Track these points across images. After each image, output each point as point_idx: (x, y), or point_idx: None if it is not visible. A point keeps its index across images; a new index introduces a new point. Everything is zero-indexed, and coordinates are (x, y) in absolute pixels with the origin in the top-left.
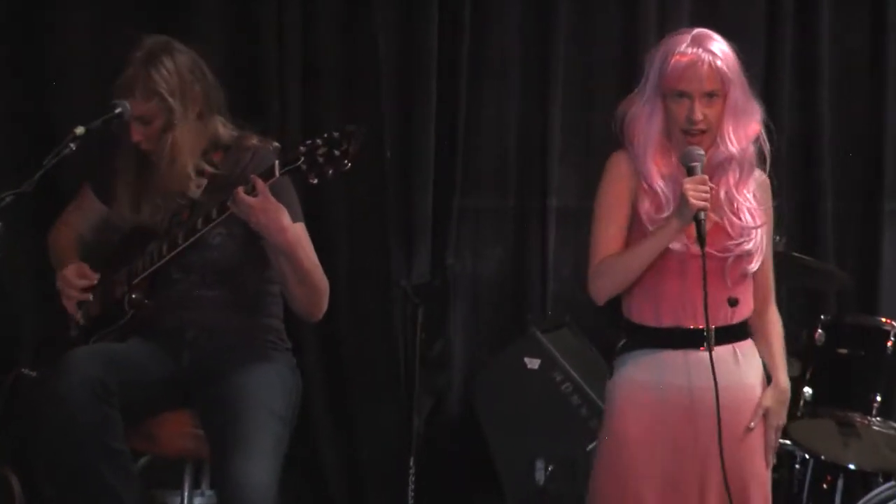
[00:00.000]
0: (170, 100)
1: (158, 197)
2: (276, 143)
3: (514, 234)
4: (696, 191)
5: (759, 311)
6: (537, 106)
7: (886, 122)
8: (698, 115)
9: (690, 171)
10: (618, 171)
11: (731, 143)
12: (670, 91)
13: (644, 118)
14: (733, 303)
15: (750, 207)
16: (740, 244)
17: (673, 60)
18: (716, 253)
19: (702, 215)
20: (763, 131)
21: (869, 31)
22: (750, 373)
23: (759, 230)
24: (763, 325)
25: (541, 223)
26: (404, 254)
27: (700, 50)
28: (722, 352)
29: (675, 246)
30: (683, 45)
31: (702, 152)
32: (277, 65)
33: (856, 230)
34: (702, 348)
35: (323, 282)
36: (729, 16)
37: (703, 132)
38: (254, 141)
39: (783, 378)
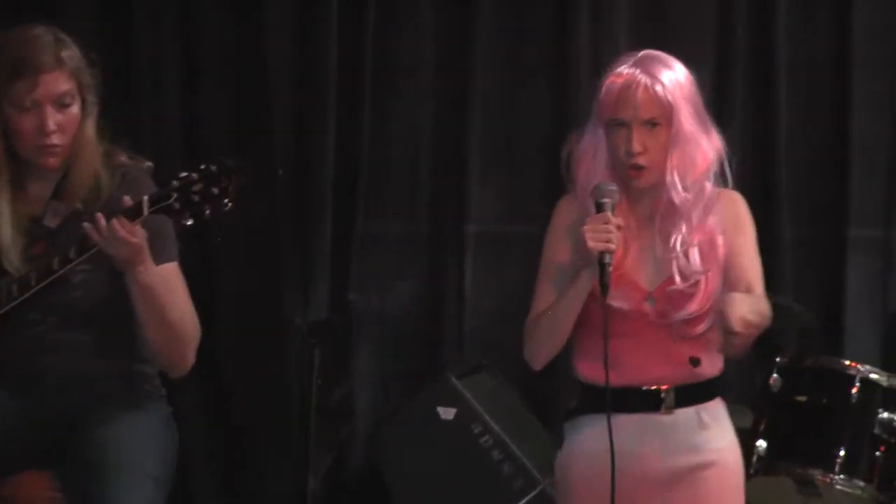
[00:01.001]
0: (86, 79)
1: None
2: (148, 163)
3: (426, 264)
4: (594, 231)
5: None
6: (454, 117)
7: (851, 137)
8: (636, 146)
9: (598, 209)
10: (559, 220)
11: (676, 181)
12: (608, 119)
13: (588, 155)
14: (695, 363)
15: (706, 259)
16: (692, 306)
17: (607, 83)
18: (656, 316)
19: (606, 258)
20: (724, 158)
21: (830, 35)
22: (717, 437)
23: (706, 288)
24: None
25: (458, 251)
26: (299, 287)
27: (638, 71)
28: (682, 414)
29: (622, 305)
30: (622, 66)
31: (613, 187)
32: (152, 64)
33: (817, 260)
34: (661, 411)
35: (190, 331)
36: (673, 14)
37: (642, 168)
38: (122, 159)
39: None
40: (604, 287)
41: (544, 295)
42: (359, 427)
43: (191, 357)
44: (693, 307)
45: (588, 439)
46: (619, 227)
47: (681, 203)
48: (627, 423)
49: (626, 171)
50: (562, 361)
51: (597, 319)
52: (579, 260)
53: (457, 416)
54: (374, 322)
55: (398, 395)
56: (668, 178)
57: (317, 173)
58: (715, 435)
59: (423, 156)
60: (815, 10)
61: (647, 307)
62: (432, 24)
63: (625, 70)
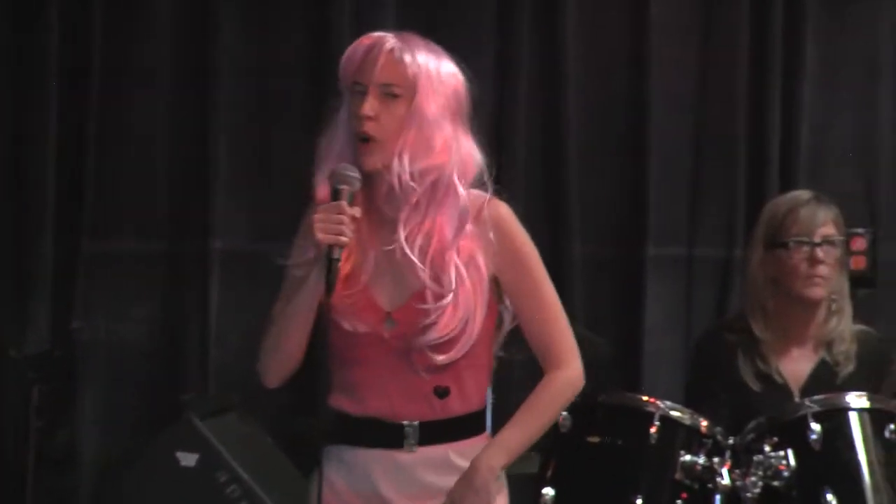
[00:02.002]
0: None
1: None
2: None
3: (164, 288)
4: (325, 221)
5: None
6: (196, 123)
7: (649, 141)
8: (366, 108)
9: (334, 196)
10: (305, 222)
11: (405, 162)
12: (350, 84)
13: (328, 134)
14: (442, 393)
15: (462, 276)
16: (438, 330)
17: (354, 44)
18: (395, 340)
19: (335, 253)
20: (482, 168)
21: (630, 29)
22: None
23: (461, 308)
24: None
25: (201, 272)
26: (15, 315)
27: (390, 36)
28: (429, 454)
29: (357, 327)
30: (377, 31)
31: (355, 174)
32: None
33: (612, 282)
34: (404, 448)
35: None
36: (449, 15)
37: (371, 140)
38: None
39: (484, 455)
40: (329, 286)
41: (281, 302)
42: (85, 476)
43: None
44: (436, 333)
45: (332, 474)
46: (353, 219)
47: (404, 188)
48: (367, 459)
49: (356, 147)
50: (322, 396)
51: (335, 338)
52: (308, 255)
53: (199, 462)
54: (103, 354)
55: (131, 439)
56: (397, 158)
57: (35, 187)
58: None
59: (160, 166)
60: (608, 8)
61: (386, 330)
62: (169, 21)
63: (377, 34)
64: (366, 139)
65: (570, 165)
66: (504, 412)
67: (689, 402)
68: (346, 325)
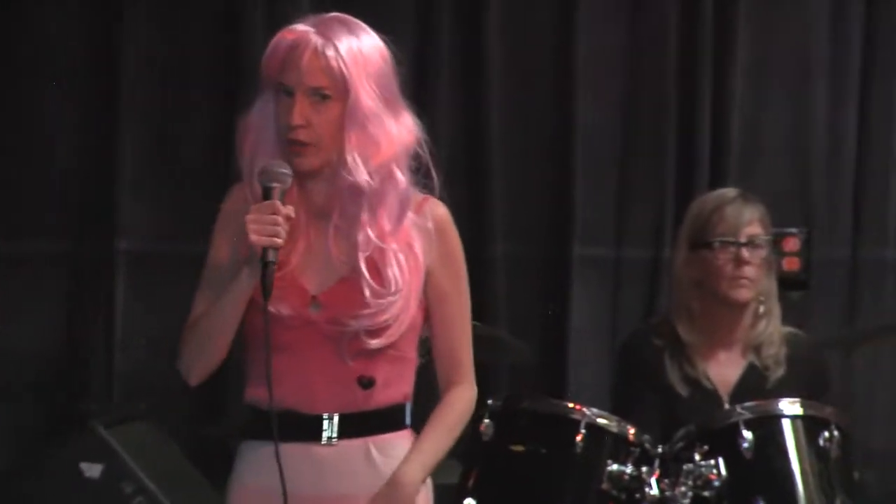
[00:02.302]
0: None
1: None
2: None
3: (66, 291)
4: (259, 222)
5: (443, 391)
6: (102, 117)
7: (575, 137)
8: (295, 117)
9: (265, 195)
10: (224, 211)
11: (358, 162)
12: (274, 84)
13: (256, 128)
14: (367, 384)
15: (400, 263)
16: (374, 314)
17: (276, 39)
18: (326, 324)
19: (271, 256)
20: (425, 150)
21: (556, 23)
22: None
23: (402, 296)
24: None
25: (106, 273)
26: None
27: (312, 31)
28: (348, 448)
29: (281, 310)
30: (300, 24)
31: (286, 170)
32: None
33: (536, 283)
34: (322, 442)
35: None
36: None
37: (304, 145)
38: None
39: (405, 469)
40: (266, 290)
41: (205, 299)
42: None
43: None
44: (372, 317)
45: (246, 472)
46: (288, 219)
47: (366, 188)
48: (287, 454)
49: (287, 149)
50: (232, 403)
51: (257, 329)
52: (240, 255)
53: (104, 473)
54: (1, 361)
55: (31, 449)
56: (349, 159)
57: None
58: (383, 474)
59: (62, 162)
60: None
61: (312, 313)
62: (76, 12)
63: (299, 27)
64: (297, 144)
65: (492, 162)
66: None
67: (615, 409)
68: (271, 308)
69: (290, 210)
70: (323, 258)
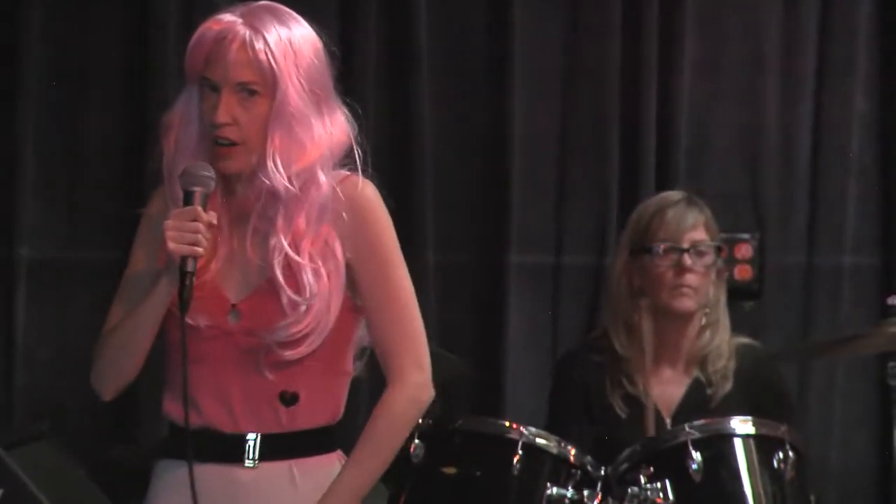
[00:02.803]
0: None
1: None
2: None
3: None
4: (178, 229)
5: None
6: (2, 117)
7: (511, 137)
8: (221, 115)
9: (186, 200)
10: (145, 217)
11: (279, 166)
12: (199, 78)
13: (177, 126)
14: (289, 400)
15: (316, 268)
16: (289, 325)
17: (200, 30)
18: (242, 335)
19: (190, 265)
20: (358, 149)
21: (491, 16)
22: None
23: (319, 300)
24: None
25: (5, 284)
26: None
27: (239, 21)
28: (270, 471)
29: (199, 320)
30: (226, 14)
31: (209, 173)
32: None
33: (469, 293)
34: (244, 463)
35: None
36: None
37: (232, 144)
38: None
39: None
40: (183, 302)
41: (117, 312)
42: None
43: None
44: (288, 328)
45: (162, 493)
46: (210, 226)
47: (285, 194)
48: (205, 476)
49: (213, 149)
50: (147, 420)
51: (175, 341)
52: (159, 263)
53: (4, 498)
54: None
55: None
56: (269, 163)
57: None
58: (307, 500)
59: None
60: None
61: (230, 323)
62: None
63: (225, 17)
64: (225, 144)
65: (422, 163)
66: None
67: (552, 428)
68: (188, 318)
69: (212, 217)
70: (243, 264)
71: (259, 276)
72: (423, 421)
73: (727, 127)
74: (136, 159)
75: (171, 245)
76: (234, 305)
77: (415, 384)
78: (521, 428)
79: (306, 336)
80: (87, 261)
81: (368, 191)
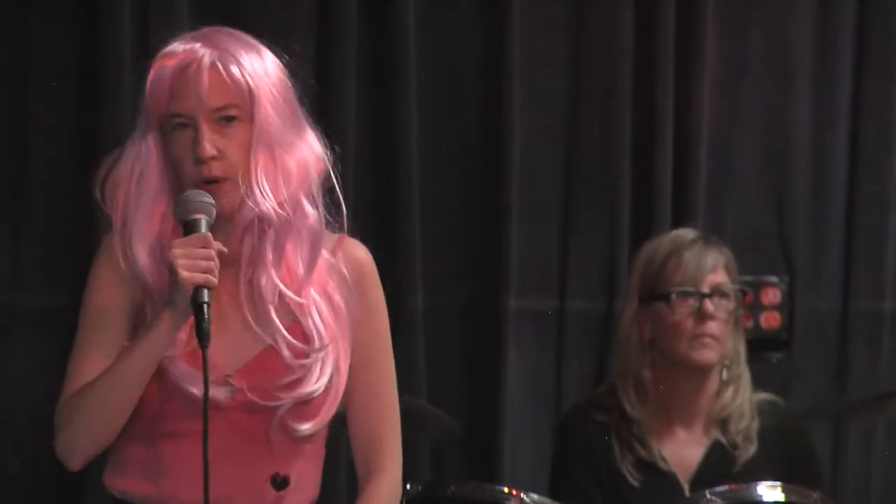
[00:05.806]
0: None
1: None
2: None
3: None
4: (189, 257)
5: (362, 480)
6: None
7: (511, 166)
8: (206, 148)
9: (189, 229)
10: (98, 269)
11: (267, 191)
12: (162, 119)
13: (130, 178)
14: (280, 484)
15: (322, 312)
16: (296, 382)
17: (156, 68)
18: (258, 400)
19: (205, 296)
20: (335, 178)
21: (486, 25)
22: None
23: (329, 356)
24: None
25: None
26: None
27: (200, 45)
28: None
29: (193, 389)
30: (178, 43)
31: (208, 199)
32: None
33: (463, 343)
34: None
35: None
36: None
37: (221, 181)
38: None
39: None
40: (203, 335)
41: (87, 365)
42: None
43: None
44: (300, 391)
45: None
46: (220, 254)
47: (275, 219)
48: None
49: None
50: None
51: (148, 404)
52: (168, 301)
53: None
54: None
55: None
56: (256, 189)
57: None
58: None
59: None
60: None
61: (222, 397)
62: None
63: (181, 47)
64: (213, 181)
65: (409, 194)
66: None
67: (556, 496)
68: (188, 386)
69: (220, 245)
70: (236, 325)
71: (257, 339)
72: (411, 487)
73: (751, 153)
74: (74, 204)
75: (185, 274)
76: (227, 377)
77: (396, 476)
78: (522, 494)
79: (321, 400)
80: (30, 306)
81: (365, 253)
